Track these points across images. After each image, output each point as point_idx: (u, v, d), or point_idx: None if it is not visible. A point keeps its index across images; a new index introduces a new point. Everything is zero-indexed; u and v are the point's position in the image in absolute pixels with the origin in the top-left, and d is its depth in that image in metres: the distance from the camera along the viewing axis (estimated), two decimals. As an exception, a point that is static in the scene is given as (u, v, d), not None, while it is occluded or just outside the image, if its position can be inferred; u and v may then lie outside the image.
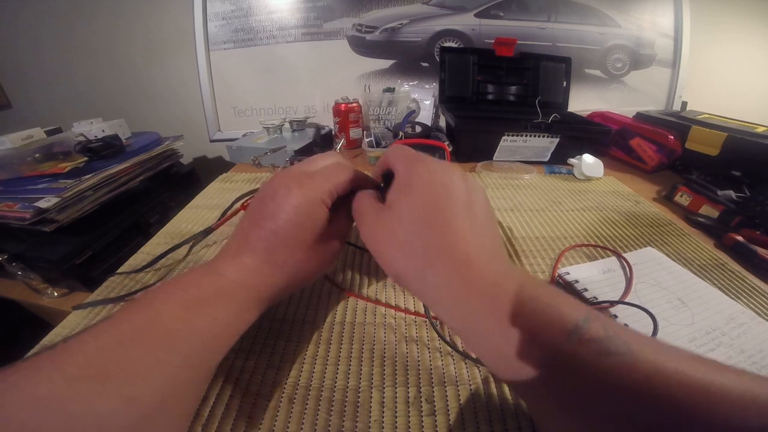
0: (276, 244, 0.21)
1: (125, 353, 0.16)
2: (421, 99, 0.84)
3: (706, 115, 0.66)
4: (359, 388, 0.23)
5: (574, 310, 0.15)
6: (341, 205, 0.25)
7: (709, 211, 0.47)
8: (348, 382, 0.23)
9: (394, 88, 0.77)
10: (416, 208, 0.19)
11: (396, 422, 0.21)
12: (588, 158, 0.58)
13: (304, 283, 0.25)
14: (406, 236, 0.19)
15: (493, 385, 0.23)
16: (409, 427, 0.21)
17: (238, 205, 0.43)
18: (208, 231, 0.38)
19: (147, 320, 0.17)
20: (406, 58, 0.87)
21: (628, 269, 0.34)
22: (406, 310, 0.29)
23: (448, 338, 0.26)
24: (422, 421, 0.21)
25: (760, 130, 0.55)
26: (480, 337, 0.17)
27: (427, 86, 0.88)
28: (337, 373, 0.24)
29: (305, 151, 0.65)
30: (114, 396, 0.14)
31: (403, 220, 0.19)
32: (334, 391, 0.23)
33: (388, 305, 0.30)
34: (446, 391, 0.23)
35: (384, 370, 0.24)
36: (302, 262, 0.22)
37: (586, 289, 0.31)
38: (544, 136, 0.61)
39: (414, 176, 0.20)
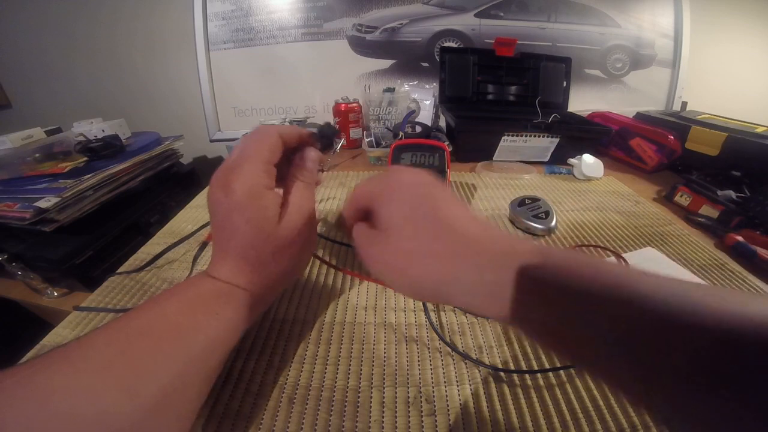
0: (243, 245, 0.21)
1: (131, 346, 0.16)
2: (421, 99, 0.84)
3: (706, 115, 0.66)
4: (359, 388, 0.23)
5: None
6: (288, 167, 0.24)
7: (709, 211, 0.46)
8: (348, 382, 0.23)
9: (394, 88, 0.77)
10: (415, 214, 0.19)
11: (396, 422, 0.21)
12: (588, 158, 0.58)
13: (295, 268, 0.24)
14: (421, 246, 0.18)
15: (493, 385, 0.23)
16: (409, 427, 0.21)
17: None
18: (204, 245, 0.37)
19: (153, 316, 0.18)
20: (406, 58, 0.87)
21: (628, 269, 0.34)
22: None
23: (447, 339, 0.26)
24: (422, 421, 0.21)
25: (760, 130, 0.54)
26: (531, 317, 0.15)
27: (427, 86, 0.88)
28: (337, 373, 0.24)
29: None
30: (117, 388, 0.14)
31: (414, 233, 0.18)
32: (334, 391, 0.23)
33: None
34: (446, 391, 0.23)
35: (384, 370, 0.24)
36: (276, 250, 0.22)
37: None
38: (544, 136, 0.61)
39: (389, 191, 0.21)
